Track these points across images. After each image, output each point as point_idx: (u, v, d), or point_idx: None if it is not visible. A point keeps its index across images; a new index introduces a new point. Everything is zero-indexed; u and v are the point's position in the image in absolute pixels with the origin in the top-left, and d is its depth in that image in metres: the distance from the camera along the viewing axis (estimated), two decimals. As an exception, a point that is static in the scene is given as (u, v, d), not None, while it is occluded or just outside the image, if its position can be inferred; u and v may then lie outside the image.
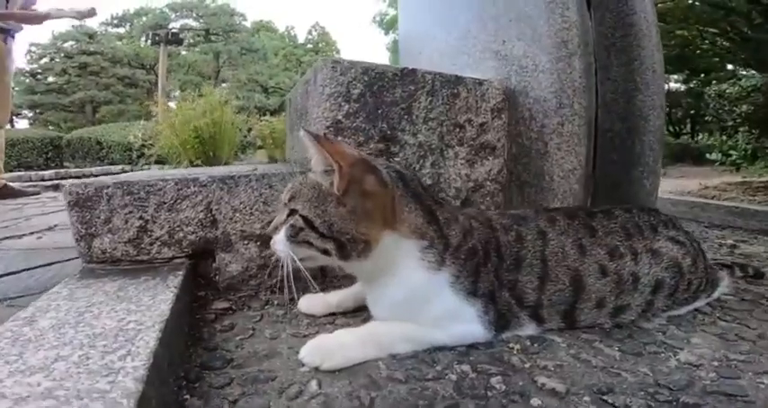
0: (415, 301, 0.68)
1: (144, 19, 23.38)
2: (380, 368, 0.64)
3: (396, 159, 1.04)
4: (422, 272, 0.67)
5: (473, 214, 0.81)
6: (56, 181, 3.89)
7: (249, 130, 6.31)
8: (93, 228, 0.92)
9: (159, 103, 8.11)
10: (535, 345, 0.72)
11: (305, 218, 0.66)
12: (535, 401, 0.56)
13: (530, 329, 0.75)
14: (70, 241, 1.46)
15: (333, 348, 0.65)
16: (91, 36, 18.72)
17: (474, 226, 0.75)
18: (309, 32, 31.24)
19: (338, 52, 31.66)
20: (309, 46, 30.51)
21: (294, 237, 0.66)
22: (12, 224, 2.00)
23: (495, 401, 0.57)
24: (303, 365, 0.64)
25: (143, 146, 6.93)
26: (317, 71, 1.05)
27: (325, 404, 0.55)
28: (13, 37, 2.98)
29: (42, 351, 0.52)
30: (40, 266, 1.24)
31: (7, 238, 1.64)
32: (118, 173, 2.73)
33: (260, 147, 7.47)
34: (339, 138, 0.99)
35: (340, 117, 1.00)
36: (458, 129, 1.14)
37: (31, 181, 3.93)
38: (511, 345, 0.72)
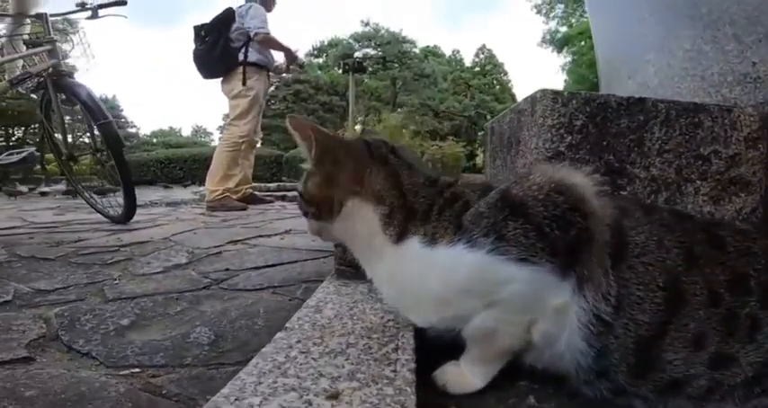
0: None
1: (335, 49, 27.15)
2: None
3: (622, 193, 1.00)
4: None
5: None
6: (282, 193, 4.82)
7: (422, 154, 6.73)
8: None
9: (349, 128, 9.34)
10: None
11: (299, 193, 0.70)
12: None
13: None
14: (303, 243, 1.82)
15: None
16: (301, 66, 22.78)
17: None
18: (477, 55, 31.51)
19: (506, 74, 31.06)
20: (477, 69, 30.75)
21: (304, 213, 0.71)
22: (261, 225, 2.54)
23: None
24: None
25: (337, 165, 8.10)
26: (535, 102, 1.07)
27: None
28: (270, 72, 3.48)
29: (335, 338, 0.63)
30: (287, 263, 1.52)
31: (261, 237, 2.10)
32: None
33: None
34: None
35: (562, 148, 1.01)
36: (700, 162, 1.02)
37: (260, 191, 4.91)
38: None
